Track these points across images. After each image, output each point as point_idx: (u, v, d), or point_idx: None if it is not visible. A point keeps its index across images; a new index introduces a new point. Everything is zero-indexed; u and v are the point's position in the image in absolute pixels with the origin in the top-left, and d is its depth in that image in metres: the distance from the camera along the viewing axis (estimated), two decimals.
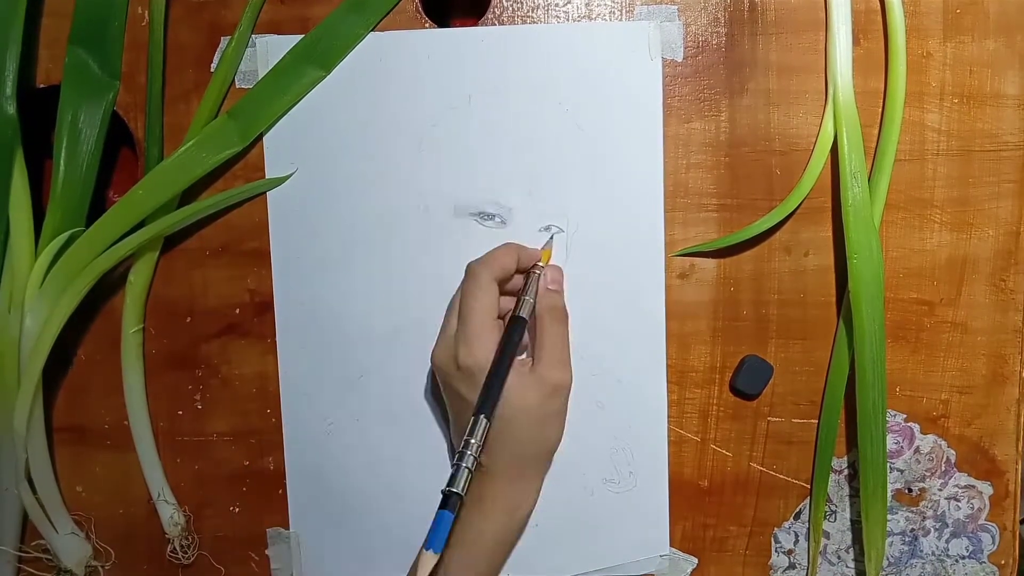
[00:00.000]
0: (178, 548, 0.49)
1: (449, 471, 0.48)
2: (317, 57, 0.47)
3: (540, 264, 0.46)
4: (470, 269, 0.44)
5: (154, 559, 0.50)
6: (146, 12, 0.47)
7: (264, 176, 0.48)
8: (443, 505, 0.39)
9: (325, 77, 0.47)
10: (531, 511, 0.46)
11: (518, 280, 0.46)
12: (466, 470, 0.40)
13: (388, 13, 0.47)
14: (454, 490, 0.39)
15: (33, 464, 0.47)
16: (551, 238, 0.47)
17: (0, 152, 0.45)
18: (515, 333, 0.43)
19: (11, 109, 0.45)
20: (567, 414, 0.45)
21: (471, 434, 0.40)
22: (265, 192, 0.48)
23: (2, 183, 0.46)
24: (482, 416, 0.41)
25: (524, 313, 0.44)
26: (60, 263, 0.46)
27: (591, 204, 0.47)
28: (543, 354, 0.43)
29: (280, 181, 0.48)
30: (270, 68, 0.47)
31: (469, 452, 0.40)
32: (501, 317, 0.45)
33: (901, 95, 0.45)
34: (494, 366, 0.42)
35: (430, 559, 0.37)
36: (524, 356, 0.46)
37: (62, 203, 0.46)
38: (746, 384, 0.47)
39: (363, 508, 0.49)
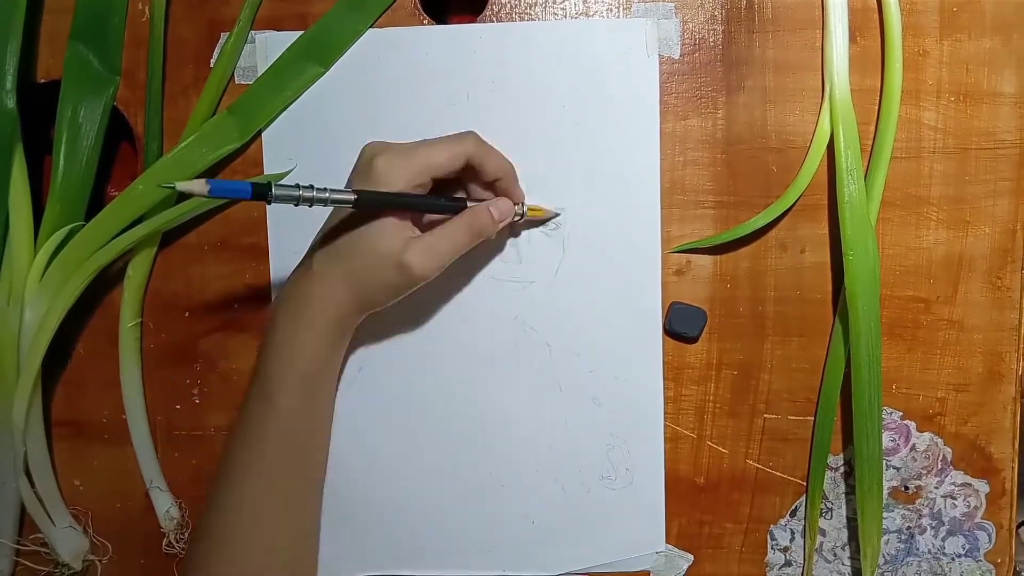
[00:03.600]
0: (174, 542, 0.49)
1: (444, 465, 0.49)
2: (316, 53, 0.47)
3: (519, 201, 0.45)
4: (469, 135, 0.43)
5: (151, 553, 0.50)
6: (146, 8, 0.48)
7: (263, 172, 0.48)
8: (254, 181, 0.37)
9: (324, 73, 0.48)
10: (345, 337, 0.45)
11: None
12: (298, 192, 0.37)
13: (387, 10, 0.47)
14: (271, 184, 0.37)
15: (31, 458, 0.47)
16: (556, 217, 0.47)
17: (0, 146, 0.46)
18: (450, 201, 0.43)
19: (11, 103, 0.45)
20: (402, 296, 0.44)
21: (335, 190, 0.39)
22: None
23: (2, 177, 0.46)
24: (353, 193, 0.39)
25: (468, 202, 0.43)
26: (60, 257, 0.46)
27: (588, 200, 0.47)
28: (428, 238, 0.42)
29: (279, 177, 0.48)
30: (269, 64, 0.48)
31: (314, 188, 0.38)
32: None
33: (897, 93, 0.45)
34: (403, 194, 0.41)
35: (200, 185, 0.34)
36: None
37: (61, 198, 0.46)
38: (680, 325, 0.47)
39: (360, 503, 0.49)
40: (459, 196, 0.45)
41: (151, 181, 0.46)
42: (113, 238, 0.46)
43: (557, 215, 0.47)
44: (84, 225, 0.46)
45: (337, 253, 0.42)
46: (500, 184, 0.44)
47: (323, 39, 0.47)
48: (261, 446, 0.42)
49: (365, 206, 0.40)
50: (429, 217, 0.44)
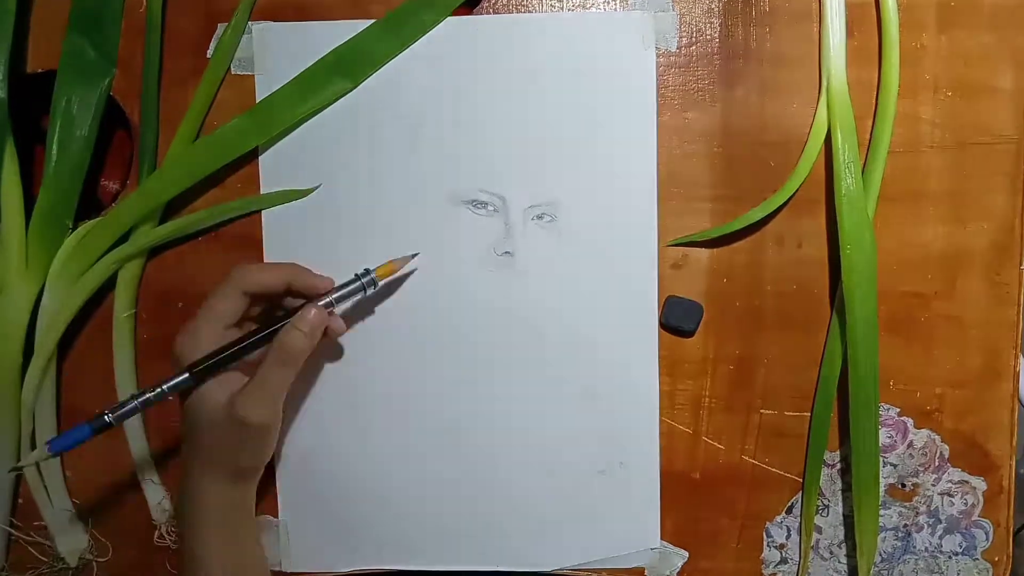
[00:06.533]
0: (166, 534, 0.49)
1: (438, 459, 0.48)
2: (345, 69, 0.47)
3: (328, 298, 0.43)
4: (232, 271, 0.43)
5: (143, 545, 0.50)
6: None
7: (258, 160, 0.48)
8: (90, 420, 0.39)
9: (352, 89, 0.47)
10: (244, 512, 0.44)
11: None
12: (134, 403, 0.40)
13: (423, 36, 0.47)
14: (107, 415, 0.39)
15: (41, 441, 0.47)
16: (412, 256, 0.46)
17: None
18: (255, 337, 0.42)
19: (2, 93, 0.45)
20: (268, 446, 0.43)
21: (165, 382, 0.41)
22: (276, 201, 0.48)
23: None
24: (187, 371, 0.41)
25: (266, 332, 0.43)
26: (78, 247, 0.47)
27: (584, 193, 0.47)
28: (250, 386, 0.41)
29: (303, 194, 0.48)
30: (267, 56, 0.47)
31: (147, 391, 0.40)
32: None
33: (895, 87, 0.45)
34: (228, 347, 0.42)
35: (40, 453, 0.38)
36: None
37: (54, 188, 0.46)
38: (676, 319, 0.47)
39: (352, 496, 0.49)
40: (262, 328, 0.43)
41: (167, 173, 0.47)
42: (130, 230, 0.47)
43: (415, 255, 0.46)
44: (101, 218, 0.47)
45: (188, 440, 0.43)
46: (296, 289, 0.44)
47: (353, 57, 0.47)
48: None
49: (202, 376, 0.41)
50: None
